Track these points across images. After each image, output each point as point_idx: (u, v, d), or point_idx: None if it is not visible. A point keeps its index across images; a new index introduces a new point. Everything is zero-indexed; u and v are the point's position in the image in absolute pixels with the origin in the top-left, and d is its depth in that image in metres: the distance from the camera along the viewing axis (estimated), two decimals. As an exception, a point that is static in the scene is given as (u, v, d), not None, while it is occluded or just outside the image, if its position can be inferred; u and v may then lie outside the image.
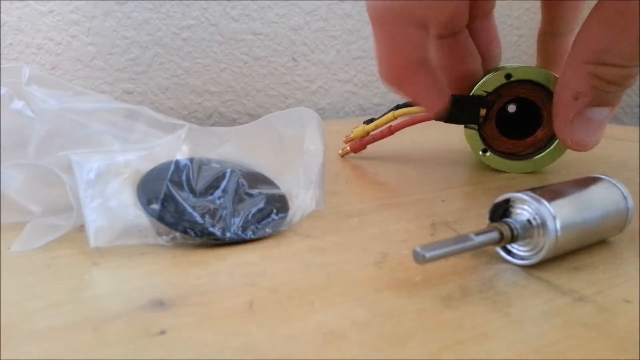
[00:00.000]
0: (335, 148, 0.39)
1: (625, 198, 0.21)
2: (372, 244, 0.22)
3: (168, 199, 0.22)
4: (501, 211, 0.20)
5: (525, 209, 0.19)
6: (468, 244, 0.18)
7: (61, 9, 0.51)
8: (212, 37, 0.57)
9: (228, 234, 0.22)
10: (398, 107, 0.36)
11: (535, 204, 0.19)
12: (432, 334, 0.15)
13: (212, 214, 0.22)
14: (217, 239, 0.21)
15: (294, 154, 0.26)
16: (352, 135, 0.38)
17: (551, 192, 0.20)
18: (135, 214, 0.21)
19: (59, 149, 0.22)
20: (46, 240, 0.21)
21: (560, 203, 0.19)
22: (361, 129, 0.38)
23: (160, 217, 0.21)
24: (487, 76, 0.34)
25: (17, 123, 0.24)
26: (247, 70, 0.59)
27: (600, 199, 0.20)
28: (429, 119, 0.34)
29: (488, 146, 0.34)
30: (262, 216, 0.23)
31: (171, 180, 0.22)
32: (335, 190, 0.30)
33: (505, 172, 0.34)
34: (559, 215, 0.19)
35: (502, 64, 0.35)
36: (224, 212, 0.22)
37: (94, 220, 0.20)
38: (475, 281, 0.18)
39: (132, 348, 0.15)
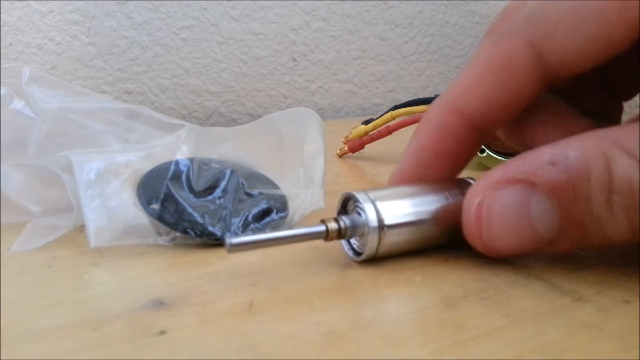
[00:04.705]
0: (335, 148, 0.39)
1: None
2: (372, 244, 0.22)
3: (168, 199, 0.22)
4: (352, 207, 0.20)
5: (358, 206, 0.19)
6: (285, 235, 0.18)
7: (61, 9, 0.51)
8: (212, 37, 0.57)
9: (228, 234, 0.22)
10: (396, 107, 0.36)
11: (362, 202, 0.19)
12: (432, 334, 0.15)
13: (212, 214, 0.22)
14: (217, 239, 0.21)
15: (294, 154, 0.26)
16: (350, 136, 0.38)
17: (393, 193, 0.20)
18: (135, 214, 0.21)
19: (59, 149, 0.22)
20: (46, 240, 0.21)
21: (396, 203, 0.19)
22: (360, 129, 0.38)
23: (160, 217, 0.21)
24: None
25: (17, 123, 0.24)
26: (247, 70, 0.59)
27: (439, 201, 0.20)
28: None
29: (486, 146, 0.34)
30: (262, 216, 0.23)
31: (171, 180, 0.22)
32: (335, 190, 0.30)
33: None
34: (386, 215, 0.19)
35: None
36: (224, 212, 0.22)
37: (94, 220, 0.20)
38: (475, 281, 0.18)
39: (132, 348, 0.15)
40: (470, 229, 0.18)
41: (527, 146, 0.21)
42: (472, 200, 0.18)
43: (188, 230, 0.21)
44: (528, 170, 0.17)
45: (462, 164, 0.21)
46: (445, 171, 0.21)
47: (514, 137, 0.22)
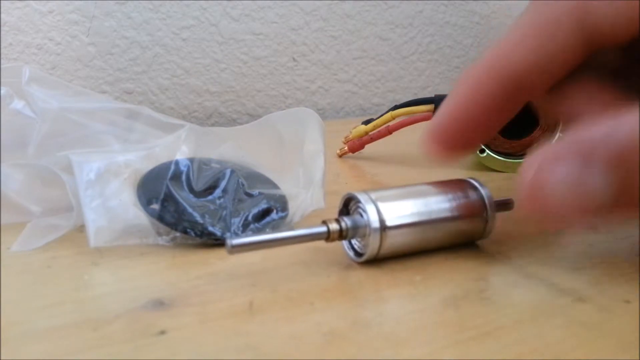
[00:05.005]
0: (335, 148, 0.39)
1: (485, 205, 0.20)
2: (372, 244, 0.22)
3: (168, 199, 0.22)
4: (354, 207, 0.20)
5: (360, 207, 0.19)
6: (286, 236, 0.18)
7: (61, 9, 0.51)
8: (212, 37, 0.56)
9: (228, 234, 0.22)
10: (396, 107, 0.36)
11: (364, 203, 0.19)
12: (432, 334, 0.15)
13: (212, 214, 0.22)
14: (217, 239, 0.21)
15: (294, 154, 0.26)
16: (350, 136, 0.38)
17: (395, 193, 0.20)
18: (135, 214, 0.21)
19: (59, 149, 0.22)
20: (46, 240, 0.21)
21: (398, 204, 0.19)
22: (360, 129, 0.38)
23: (160, 217, 0.21)
24: None
25: (17, 123, 0.24)
26: (247, 70, 0.59)
27: (441, 202, 0.20)
28: (427, 119, 0.34)
29: (486, 146, 0.34)
30: (262, 216, 0.23)
31: (171, 180, 0.22)
32: (335, 190, 0.30)
33: (502, 172, 0.34)
34: (388, 216, 0.19)
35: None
36: (224, 212, 0.22)
37: (94, 220, 0.20)
38: (475, 281, 0.18)
39: (132, 348, 0.15)
40: (527, 201, 0.18)
41: (565, 117, 0.21)
42: (528, 172, 0.18)
43: (188, 230, 0.21)
44: (584, 141, 0.17)
45: (498, 125, 0.21)
46: (481, 130, 0.21)
47: (553, 106, 0.22)
